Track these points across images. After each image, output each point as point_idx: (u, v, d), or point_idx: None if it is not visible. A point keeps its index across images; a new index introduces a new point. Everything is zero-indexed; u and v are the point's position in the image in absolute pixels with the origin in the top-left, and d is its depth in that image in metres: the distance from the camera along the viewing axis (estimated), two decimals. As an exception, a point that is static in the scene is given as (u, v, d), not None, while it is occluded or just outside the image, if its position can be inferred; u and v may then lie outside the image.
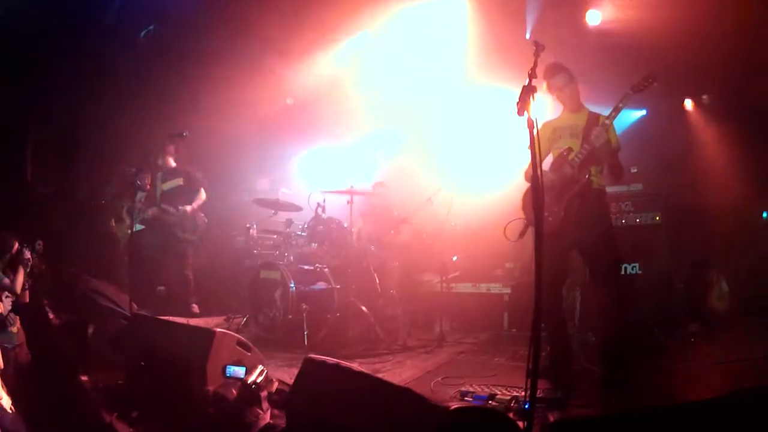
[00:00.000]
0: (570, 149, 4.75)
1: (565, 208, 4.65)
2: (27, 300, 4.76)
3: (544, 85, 4.86)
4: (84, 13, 7.47)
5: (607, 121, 4.59)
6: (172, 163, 7.93)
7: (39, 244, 4.84)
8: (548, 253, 4.54)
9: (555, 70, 4.88)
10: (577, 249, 4.90)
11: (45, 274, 4.56)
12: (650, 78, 4.49)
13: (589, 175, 4.67)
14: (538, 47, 3.45)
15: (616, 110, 4.55)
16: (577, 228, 4.64)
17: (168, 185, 7.85)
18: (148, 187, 7.32)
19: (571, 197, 4.65)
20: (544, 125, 5.01)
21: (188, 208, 7.71)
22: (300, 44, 9.12)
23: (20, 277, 4.72)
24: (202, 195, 7.94)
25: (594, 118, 4.83)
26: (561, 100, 4.99)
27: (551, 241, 4.48)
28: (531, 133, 3.08)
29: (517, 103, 3.13)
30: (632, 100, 4.58)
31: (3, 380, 3.07)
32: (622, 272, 6.30)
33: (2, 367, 3.08)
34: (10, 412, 2.82)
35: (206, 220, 7.96)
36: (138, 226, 8.81)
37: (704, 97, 8.29)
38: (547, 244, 4.49)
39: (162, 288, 8.51)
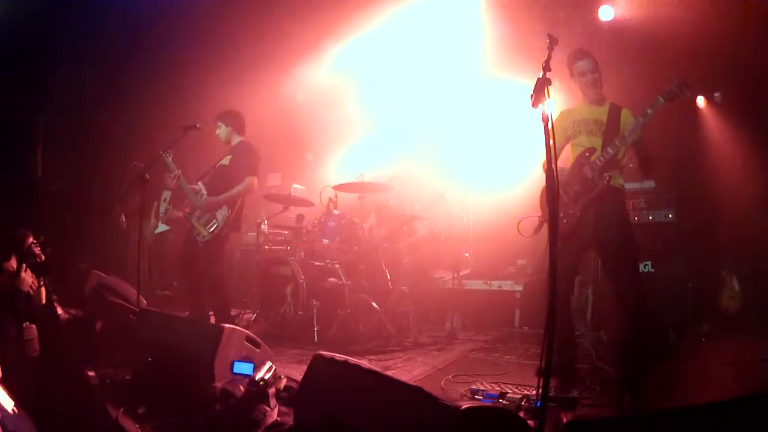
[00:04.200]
0: (592, 149, 4.59)
1: (581, 210, 4.55)
2: (44, 300, 4.66)
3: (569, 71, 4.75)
4: (93, 7, 7.50)
5: (641, 119, 4.37)
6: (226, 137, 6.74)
7: (41, 239, 4.74)
8: (561, 253, 4.49)
9: (581, 55, 4.71)
10: (595, 249, 4.82)
11: (51, 269, 4.49)
12: (683, 86, 4.26)
13: (610, 178, 4.54)
14: (552, 40, 3.38)
15: (645, 116, 4.35)
16: (594, 229, 4.54)
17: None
18: (174, 184, 6.53)
19: (589, 200, 4.55)
20: (563, 114, 4.84)
21: (214, 198, 6.40)
22: (312, 38, 9.11)
23: (25, 276, 4.59)
24: (246, 183, 6.50)
25: (616, 112, 4.65)
26: (582, 88, 4.77)
27: (565, 242, 4.42)
28: (545, 126, 3.01)
29: (531, 95, 3.06)
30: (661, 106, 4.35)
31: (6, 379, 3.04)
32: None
33: None
34: (13, 413, 2.78)
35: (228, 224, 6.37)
36: (162, 227, 8.79)
37: (716, 94, 8.21)
38: (561, 245, 4.45)
39: (166, 292, 8.43)
